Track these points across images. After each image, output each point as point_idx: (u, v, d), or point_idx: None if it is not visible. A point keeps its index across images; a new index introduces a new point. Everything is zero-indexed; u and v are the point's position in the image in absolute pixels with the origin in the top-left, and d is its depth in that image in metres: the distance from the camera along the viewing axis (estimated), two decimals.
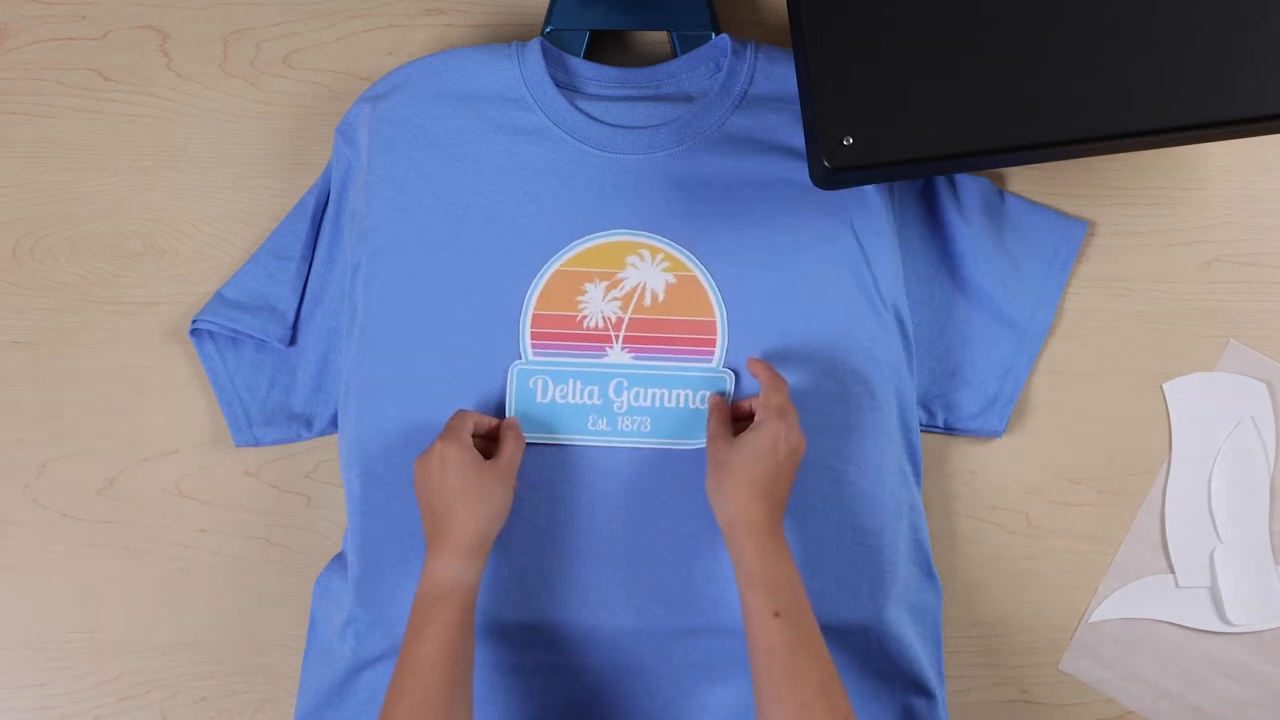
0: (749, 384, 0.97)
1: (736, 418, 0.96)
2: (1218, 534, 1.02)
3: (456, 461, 0.88)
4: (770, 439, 0.89)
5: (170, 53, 1.06)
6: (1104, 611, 1.02)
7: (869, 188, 0.98)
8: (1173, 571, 1.02)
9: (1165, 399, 1.04)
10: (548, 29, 1.01)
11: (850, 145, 0.86)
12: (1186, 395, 1.04)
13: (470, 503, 0.88)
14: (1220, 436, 1.04)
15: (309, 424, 1.02)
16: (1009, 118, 0.87)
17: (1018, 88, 0.87)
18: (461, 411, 0.93)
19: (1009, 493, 1.04)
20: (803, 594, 0.86)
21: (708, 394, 0.96)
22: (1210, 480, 1.03)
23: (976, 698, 1.02)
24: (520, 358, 0.96)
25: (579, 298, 0.97)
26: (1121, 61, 0.87)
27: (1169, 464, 1.03)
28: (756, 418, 0.91)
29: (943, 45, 0.87)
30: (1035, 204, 1.05)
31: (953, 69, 0.87)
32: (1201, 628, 1.02)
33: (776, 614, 0.84)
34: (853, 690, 0.97)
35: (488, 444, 0.94)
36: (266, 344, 1.01)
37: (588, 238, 0.98)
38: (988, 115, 0.86)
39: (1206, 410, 1.04)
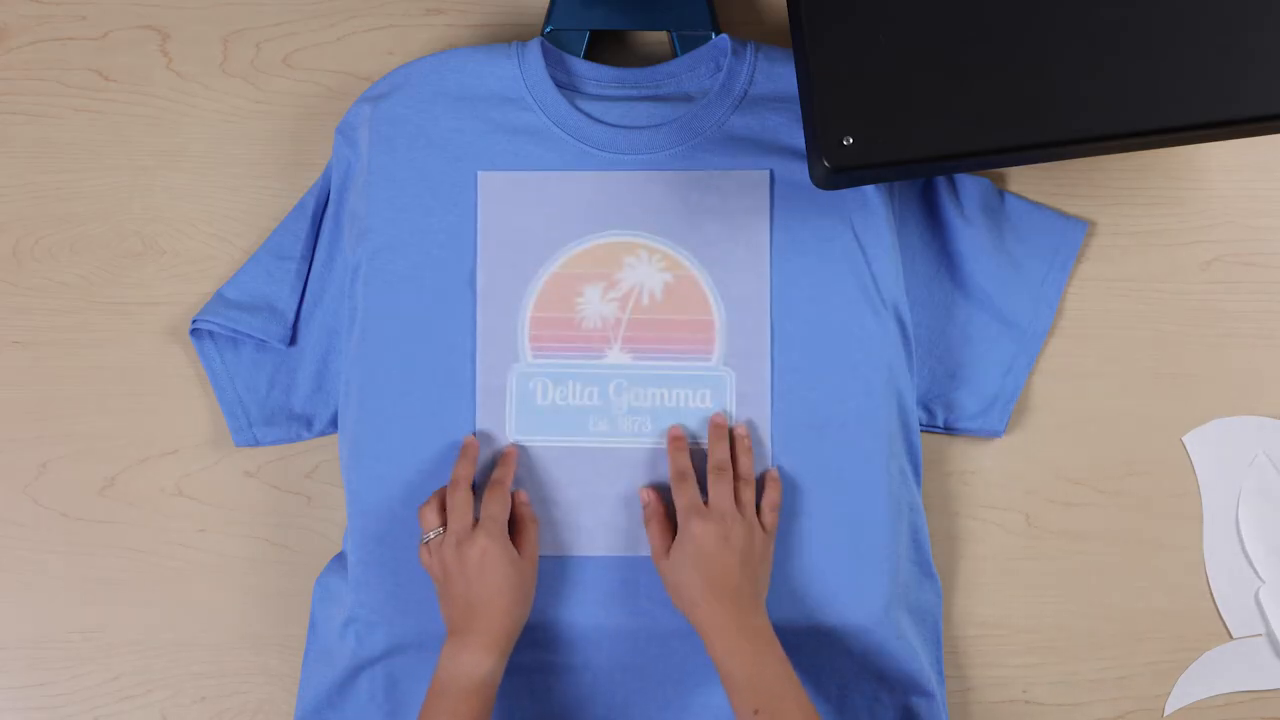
0: (748, 384, 0.97)
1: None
2: (1258, 574, 1.02)
3: (499, 560, 0.89)
4: (694, 547, 0.90)
5: (170, 53, 1.06)
6: (1175, 700, 1.02)
7: (869, 188, 0.98)
8: (1225, 625, 1.02)
9: (1187, 452, 1.04)
10: (548, 29, 1.01)
11: (850, 145, 0.86)
12: (1205, 444, 1.04)
13: (510, 602, 0.89)
14: (1240, 478, 1.03)
15: (309, 424, 1.02)
16: (1009, 118, 0.87)
17: (1018, 88, 0.87)
18: (494, 492, 0.92)
19: (1009, 493, 1.04)
20: (784, 683, 0.87)
21: (644, 492, 0.95)
22: (1238, 522, 1.03)
23: (976, 698, 1.02)
24: (519, 360, 0.96)
25: (577, 300, 0.97)
26: (1122, 61, 0.87)
27: (1202, 518, 1.03)
28: (678, 524, 0.92)
29: (943, 45, 0.87)
30: (1035, 204, 1.05)
31: (953, 69, 0.87)
32: (1269, 687, 1.02)
33: (756, 712, 0.85)
34: (853, 690, 0.97)
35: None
36: (266, 344, 1.01)
37: (584, 239, 0.98)
38: (988, 115, 0.86)
39: (1224, 456, 1.04)
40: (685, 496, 0.92)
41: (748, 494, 0.93)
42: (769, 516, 0.94)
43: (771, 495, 0.95)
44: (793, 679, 0.88)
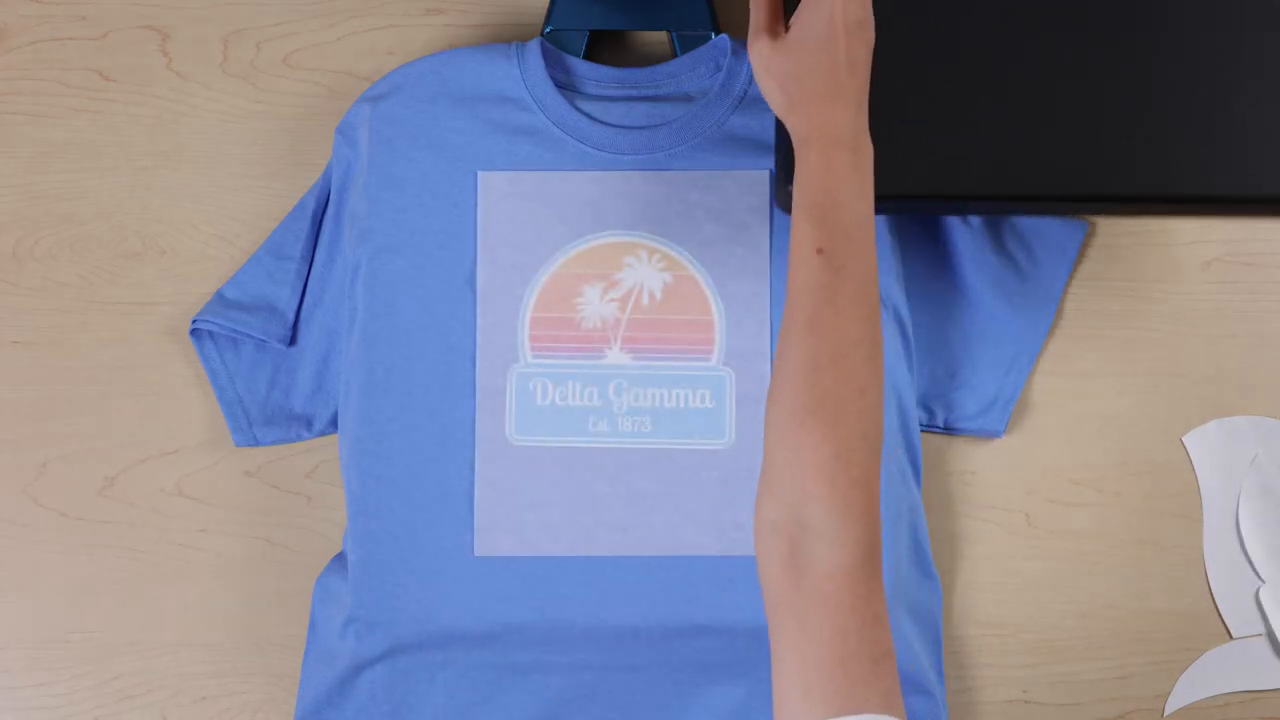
0: (749, 384, 0.96)
1: None
2: (1258, 574, 1.02)
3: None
4: (826, 24, 0.74)
5: (170, 53, 1.06)
6: (1175, 700, 1.02)
7: None
8: (1225, 625, 1.02)
9: (1187, 452, 1.03)
10: (547, 29, 1.02)
11: None
12: (1205, 444, 1.03)
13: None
14: (1240, 478, 1.03)
15: (309, 424, 1.02)
16: (987, 166, 0.86)
17: (999, 137, 0.86)
18: None
19: (1009, 493, 1.04)
20: (864, 236, 0.73)
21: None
22: (1238, 522, 1.03)
23: (976, 698, 1.02)
24: (519, 360, 0.96)
25: (577, 299, 0.97)
26: (1121, 125, 0.87)
27: (1202, 518, 1.03)
28: None
29: (925, 87, 0.86)
30: None
31: (930, 110, 0.86)
32: (1269, 687, 1.02)
33: (819, 250, 0.72)
34: None
35: None
36: (266, 344, 1.01)
37: (584, 239, 0.98)
38: (959, 162, 0.84)
39: (1224, 456, 1.03)
40: None
41: None
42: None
43: None
44: (871, 224, 0.73)
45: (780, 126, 0.87)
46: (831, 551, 0.69)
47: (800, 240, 0.73)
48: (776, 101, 0.77)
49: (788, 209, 0.87)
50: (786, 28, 0.79)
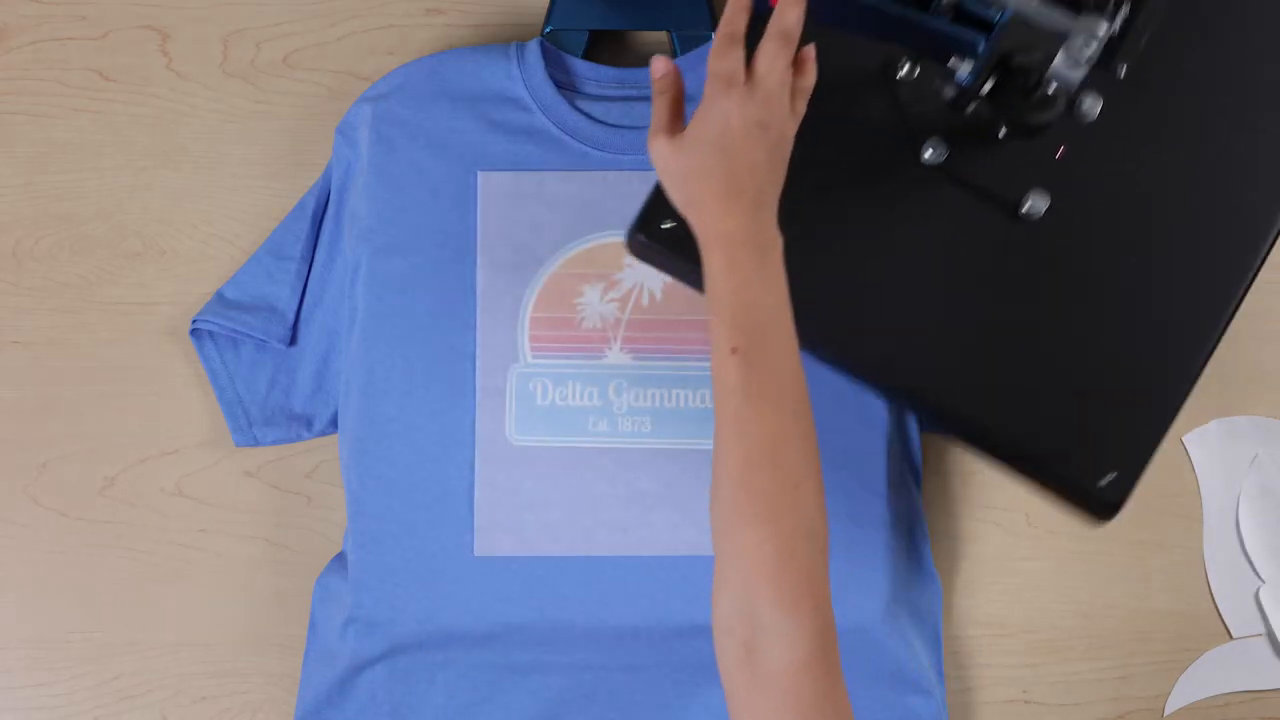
0: None
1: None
2: (1258, 574, 1.02)
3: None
4: (722, 128, 0.73)
5: (170, 53, 1.06)
6: (1175, 700, 1.02)
7: None
8: (1225, 625, 1.02)
9: (1186, 451, 1.03)
10: (547, 29, 1.02)
11: (668, 230, 0.85)
12: (1205, 444, 1.03)
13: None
14: (1240, 478, 1.03)
15: (309, 424, 1.02)
16: (826, 321, 0.85)
17: (836, 303, 0.86)
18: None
19: (1009, 493, 1.04)
20: (779, 331, 0.72)
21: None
22: (1238, 522, 1.03)
23: (976, 698, 1.02)
24: (519, 360, 0.96)
25: (577, 299, 0.97)
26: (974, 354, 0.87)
27: (1202, 518, 1.03)
28: (706, 94, 0.74)
29: (800, 215, 0.83)
30: None
31: (821, 260, 0.86)
32: (1269, 687, 1.02)
33: (734, 350, 0.71)
34: (853, 691, 0.97)
35: None
36: (266, 344, 1.01)
37: (584, 239, 0.98)
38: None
39: (1224, 456, 1.04)
40: (727, 60, 0.74)
41: (784, 59, 0.75)
42: (799, 104, 0.78)
43: (806, 79, 0.78)
44: (786, 317, 0.73)
45: (658, 183, 0.86)
46: (785, 648, 0.69)
47: (716, 341, 0.72)
48: (677, 200, 0.76)
49: (632, 250, 0.88)
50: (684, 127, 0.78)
